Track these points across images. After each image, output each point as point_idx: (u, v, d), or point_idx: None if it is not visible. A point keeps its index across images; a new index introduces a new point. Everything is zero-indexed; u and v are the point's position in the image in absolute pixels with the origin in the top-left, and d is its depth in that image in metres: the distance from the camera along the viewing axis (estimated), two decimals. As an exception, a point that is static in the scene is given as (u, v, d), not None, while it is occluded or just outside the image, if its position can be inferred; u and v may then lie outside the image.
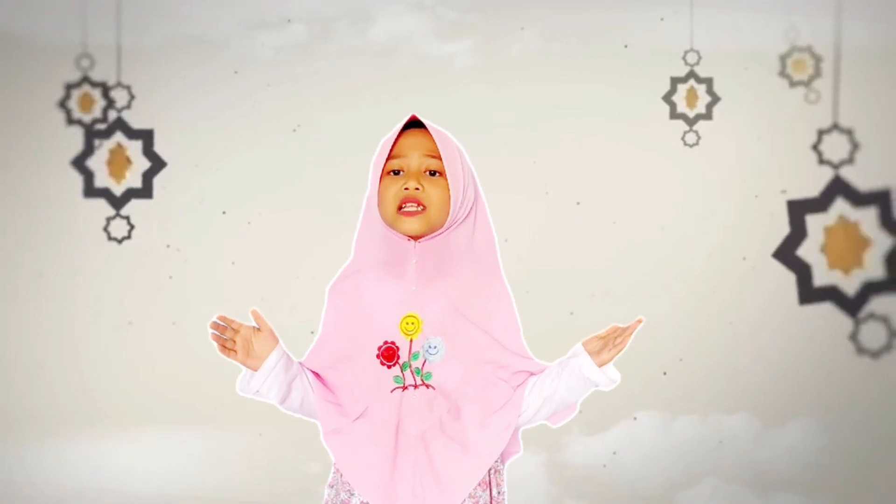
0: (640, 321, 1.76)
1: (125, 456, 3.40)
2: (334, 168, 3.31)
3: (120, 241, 3.47)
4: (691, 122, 3.35)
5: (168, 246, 3.48)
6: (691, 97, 3.33)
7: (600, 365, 1.76)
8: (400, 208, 1.78)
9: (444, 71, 3.37)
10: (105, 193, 3.50)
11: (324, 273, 1.92)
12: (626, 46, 3.36)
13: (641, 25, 3.36)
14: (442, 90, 3.32)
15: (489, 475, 1.82)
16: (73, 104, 3.47)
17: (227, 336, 1.79)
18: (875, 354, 3.23)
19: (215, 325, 1.81)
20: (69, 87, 3.48)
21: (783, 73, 3.29)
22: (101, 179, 3.49)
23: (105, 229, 3.48)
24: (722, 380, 3.32)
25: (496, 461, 1.84)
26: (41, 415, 3.42)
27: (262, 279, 3.42)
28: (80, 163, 3.49)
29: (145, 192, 3.49)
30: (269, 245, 3.43)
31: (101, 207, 3.50)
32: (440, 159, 1.78)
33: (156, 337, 3.44)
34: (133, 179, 3.48)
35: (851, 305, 3.20)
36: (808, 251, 3.25)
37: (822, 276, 3.23)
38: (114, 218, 3.48)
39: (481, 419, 1.77)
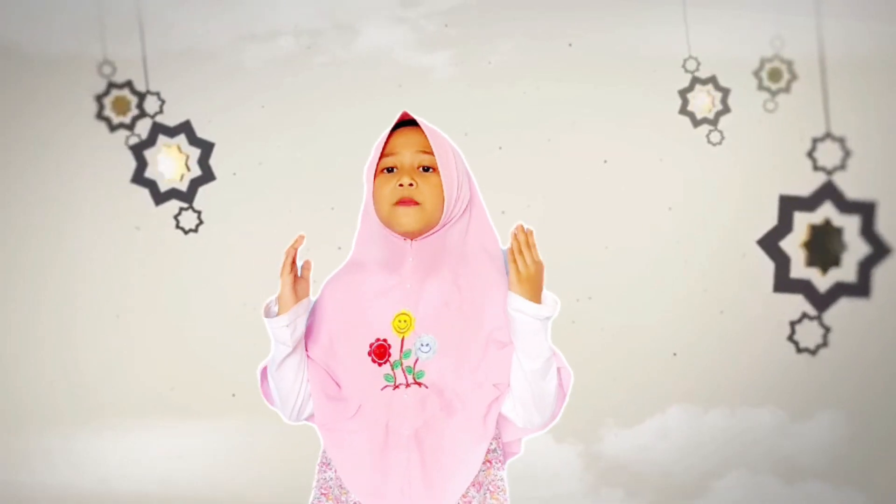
0: (520, 227, 1.70)
1: (128, 453, 3.46)
2: (333, 170, 3.38)
3: (186, 233, 3.53)
4: (713, 121, 3.41)
5: (175, 241, 3.55)
6: (707, 103, 3.38)
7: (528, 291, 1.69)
8: (394, 205, 1.76)
9: (427, 79, 3.42)
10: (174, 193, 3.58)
11: (322, 273, 1.94)
12: (615, 52, 3.40)
13: (632, 31, 3.40)
14: (426, 97, 3.39)
15: (485, 474, 1.78)
16: (109, 112, 3.53)
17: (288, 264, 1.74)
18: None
19: (292, 249, 1.76)
20: (100, 98, 3.54)
21: (760, 83, 3.37)
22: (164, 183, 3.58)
23: (176, 218, 3.55)
24: (748, 373, 3.37)
25: (497, 460, 1.81)
26: (42, 412, 3.47)
27: (261, 278, 3.49)
28: (139, 177, 3.56)
29: (207, 176, 3.57)
30: (269, 244, 3.49)
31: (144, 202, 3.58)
32: (433, 155, 1.76)
33: (157, 333, 3.50)
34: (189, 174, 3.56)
35: (820, 301, 3.33)
36: (790, 244, 3.37)
37: (799, 269, 3.37)
38: (186, 210, 3.55)
39: (471, 418, 1.72)
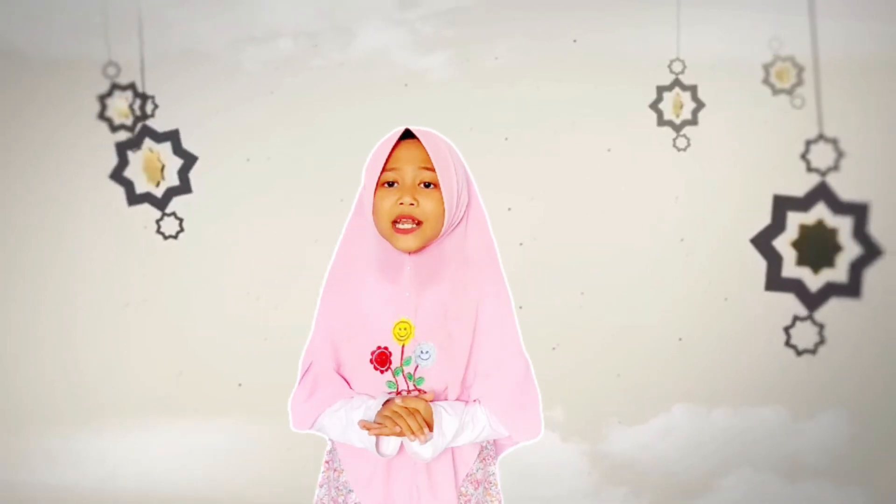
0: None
1: (128, 453, 3.46)
2: (333, 170, 3.38)
3: (166, 238, 3.53)
4: (678, 127, 3.41)
5: (174, 241, 3.55)
6: (676, 104, 3.38)
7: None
8: (395, 222, 1.77)
9: (426, 80, 3.43)
10: (148, 198, 3.57)
11: (321, 271, 1.94)
12: (615, 52, 3.41)
13: (631, 32, 3.40)
14: (426, 98, 3.40)
15: (483, 472, 1.83)
16: (112, 112, 3.54)
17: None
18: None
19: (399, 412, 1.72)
20: (103, 98, 3.54)
21: (767, 82, 3.37)
22: (141, 185, 3.57)
23: (159, 230, 3.55)
24: (750, 372, 3.37)
25: (489, 456, 1.86)
26: (42, 412, 3.48)
27: (261, 277, 3.49)
28: (118, 175, 3.56)
29: (184, 188, 3.57)
30: (268, 243, 3.49)
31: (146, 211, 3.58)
32: (434, 171, 1.77)
33: (157, 333, 3.50)
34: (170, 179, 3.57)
35: (811, 300, 3.36)
36: (782, 244, 3.40)
37: (790, 269, 3.39)
38: (161, 218, 3.54)
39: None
